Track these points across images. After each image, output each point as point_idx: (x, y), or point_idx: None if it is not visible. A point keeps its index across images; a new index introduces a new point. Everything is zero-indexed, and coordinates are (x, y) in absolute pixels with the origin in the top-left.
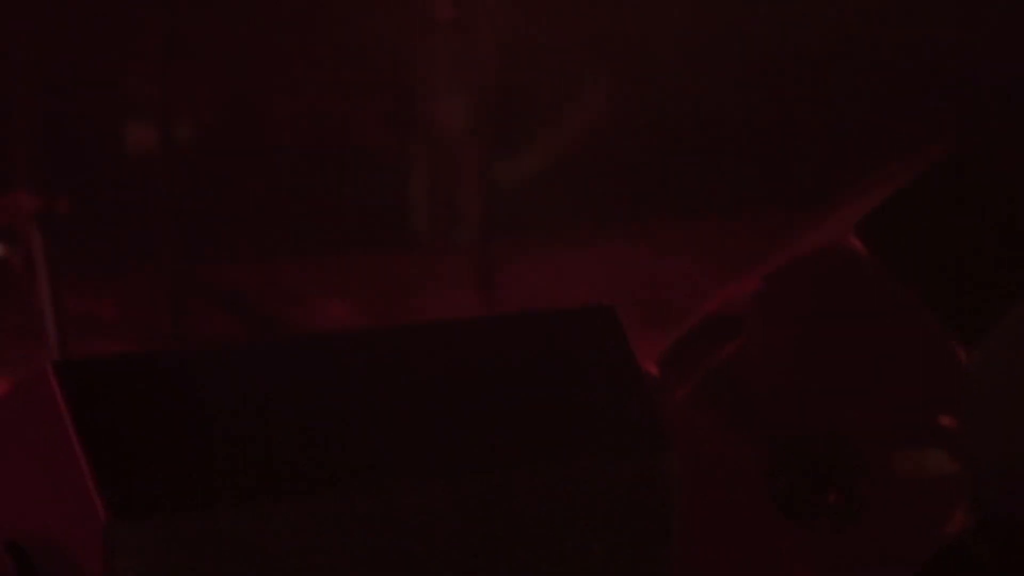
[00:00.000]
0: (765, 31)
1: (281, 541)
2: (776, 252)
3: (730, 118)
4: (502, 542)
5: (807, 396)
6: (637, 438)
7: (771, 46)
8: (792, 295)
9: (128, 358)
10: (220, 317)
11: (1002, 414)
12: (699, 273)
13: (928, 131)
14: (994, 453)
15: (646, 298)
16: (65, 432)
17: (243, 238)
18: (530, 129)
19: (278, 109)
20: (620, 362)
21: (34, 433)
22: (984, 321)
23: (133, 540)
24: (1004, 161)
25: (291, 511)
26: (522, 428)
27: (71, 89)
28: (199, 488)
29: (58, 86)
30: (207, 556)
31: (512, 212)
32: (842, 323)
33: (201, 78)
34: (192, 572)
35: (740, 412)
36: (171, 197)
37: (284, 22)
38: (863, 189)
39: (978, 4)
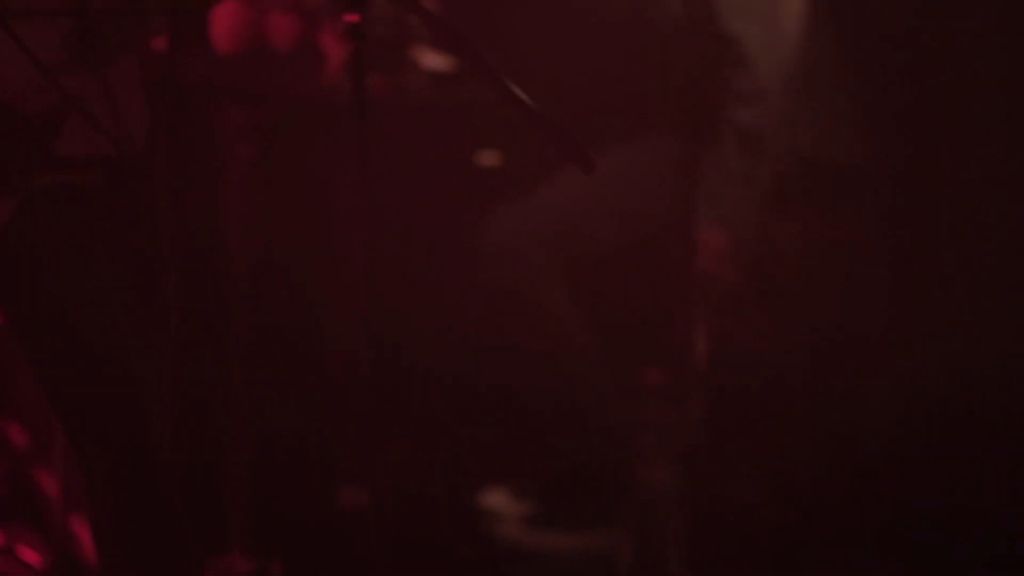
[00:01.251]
0: (958, 381)
1: None
2: None
3: (941, 471)
4: None
5: None
6: None
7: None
8: None
9: None
10: None
11: None
12: None
13: None
14: None
15: None
16: None
17: None
18: (740, 491)
19: (483, 458)
20: None
21: None
22: None
23: None
24: None
25: None
26: None
27: (280, 449)
28: None
29: (267, 448)
30: None
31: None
32: None
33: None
34: None
35: None
36: (379, 557)
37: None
38: None
39: None
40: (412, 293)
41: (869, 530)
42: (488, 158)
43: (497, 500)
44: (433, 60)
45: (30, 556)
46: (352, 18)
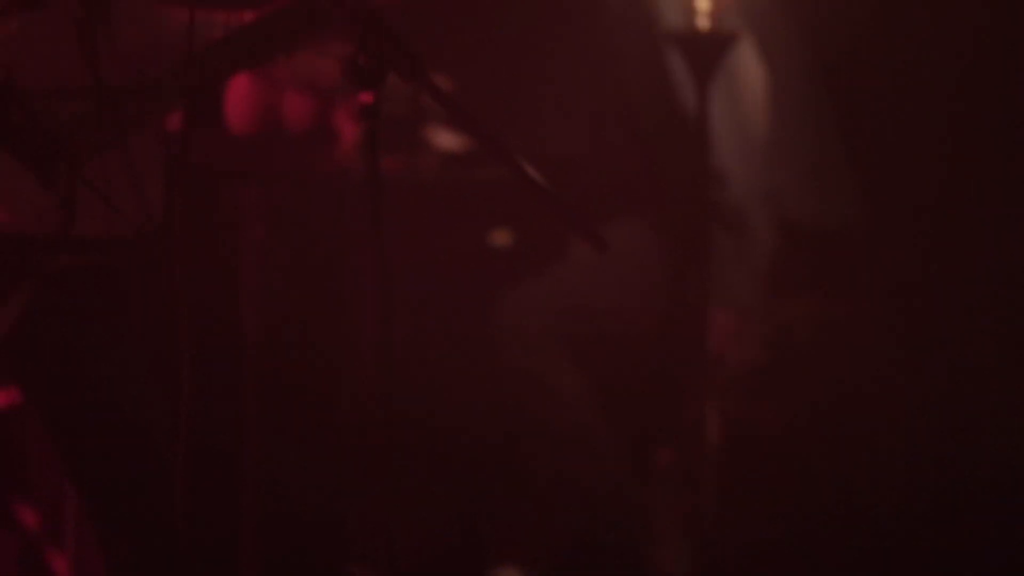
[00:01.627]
0: None
1: None
2: None
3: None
4: None
5: None
6: None
7: None
8: None
9: None
10: None
11: None
12: None
13: None
14: None
15: None
16: None
17: None
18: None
19: (493, 533)
20: None
21: None
22: None
23: None
24: None
25: None
26: None
27: (291, 523)
28: None
29: (279, 522)
30: None
31: None
32: None
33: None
34: None
35: None
36: None
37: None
38: None
39: None
40: (425, 371)
41: None
42: (500, 238)
43: None
44: (446, 140)
45: None
46: (366, 98)
